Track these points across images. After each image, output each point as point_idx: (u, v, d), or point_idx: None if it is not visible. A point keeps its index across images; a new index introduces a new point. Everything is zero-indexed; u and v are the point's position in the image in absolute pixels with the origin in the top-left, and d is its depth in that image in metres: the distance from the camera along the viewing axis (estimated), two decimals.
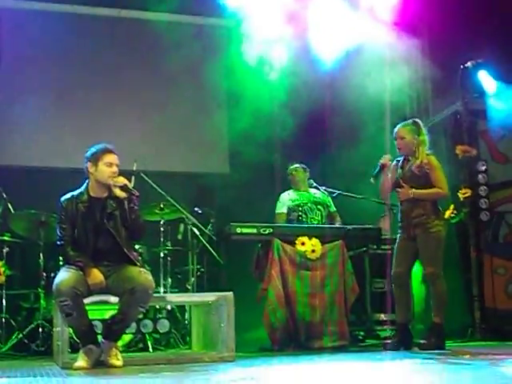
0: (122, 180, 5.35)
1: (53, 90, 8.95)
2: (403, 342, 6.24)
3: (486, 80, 8.14)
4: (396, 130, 6.46)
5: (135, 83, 9.55)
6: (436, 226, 6.24)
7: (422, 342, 6.18)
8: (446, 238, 6.36)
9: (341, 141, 9.31)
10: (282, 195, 7.55)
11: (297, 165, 7.63)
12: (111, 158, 5.36)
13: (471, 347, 6.44)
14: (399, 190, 6.38)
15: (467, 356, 5.25)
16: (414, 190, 6.29)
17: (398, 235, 6.47)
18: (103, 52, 9.49)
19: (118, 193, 5.31)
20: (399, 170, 6.44)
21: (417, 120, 6.56)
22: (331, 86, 8.93)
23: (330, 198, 7.58)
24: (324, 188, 7.50)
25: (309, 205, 7.44)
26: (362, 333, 7.58)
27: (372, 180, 6.43)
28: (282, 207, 7.46)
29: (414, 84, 9.27)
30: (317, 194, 7.54)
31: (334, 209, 7.58)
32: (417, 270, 6.62)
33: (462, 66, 7.89)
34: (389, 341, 6.45)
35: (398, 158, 6.50)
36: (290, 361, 5.43)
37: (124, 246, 5.35)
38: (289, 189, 7.61)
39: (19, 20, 8.99)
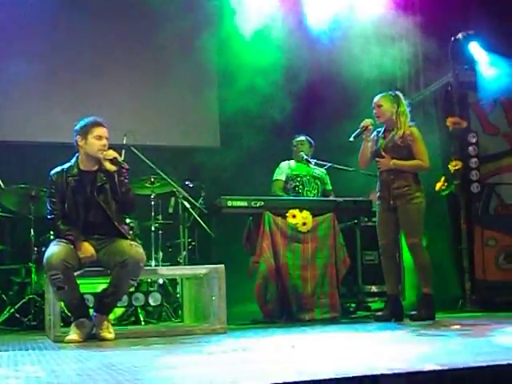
0: (112, 153, 5.32)
1: (42, 65, 8.88)
2: (394, 314, 6.27)
3: (477, 51, 8.11)
4: (374, 99, 6.44)
5: (126, 57, 9.51)
6: (417, 197, 6.22)
7: (412, 313, 6.20)
8: (427, 209, 6.33)
9: (332, 115, 9.29)
10: (282, 163, 7.55)
11: (303, 137, 7.62)
12: (101, 131, 5.34)
13: (461, 318, 6.47)
14: (379, 159, 6.36)
15: (457, 326, 5.27)
16: (394, 160, 6.27)
17: (378, 205, 6.45)
18: (93, 26, 9.42)
19: (108, 166, 5.29)
20: (381, 141, 6.42)
21: (397, 92, 6.54)
22: (322, 60, 8.88)
23: (328, 177, 7.58)
24: (315, 161, 7.48)
25: (307, 177, 7.45)
26: (353, 305, 7.63)
27: (352, 139, 6.39)
28: (280, 174, 7.47)
29: (404, 56, 9.25)
30: (316, 169, 7.54)
31: (330, 187, 7.59)
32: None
33: (452, 38, 7.87)
34: (380, 312, 6.48)
35: (379, 129, 6.49)
36: (282, 332, 5.45)
37: (114, 219, 5.35)
38: (290, 159, 7.59)
39: None
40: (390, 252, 6.34)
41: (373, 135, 6.46)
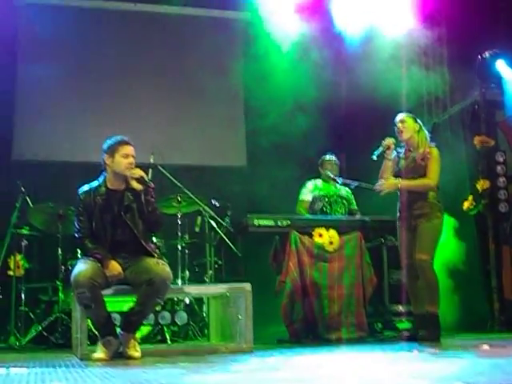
0: (139, 172, 5.35)
1: (70, 85, 9.00)
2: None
3: (504, 70, 8.07)
4: (397, 117, 6.42)
5: (152, 77, 9.60)
6: (437, 217, 6.19)
7: (419, 333, 6.11)
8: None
9: (359, 134, 9.30)
10: (309, 182, 7.53)
11: (331, 156, 7.60)
12: (128, 149, 5.37)
13: (490, 339, 6.38)
14: (383, 182, 6.32)
15: (486, 347, 5.21)
16: (400, 180, 6.26)
17: (398, 226, 6.41)
18: (120, 46, 9.55)
19: (135, 185, 5.31)
20: (402, 161, 6.40)
21: (413, 115, 6.53)
22: (349, 77, 8.92)
23: (352, 196, 7.55)
24: (342, 180, 7.44)
25: (334, 197, 7.43)
26: (380, 324, 7.56)
27: (375, 157, 6.36)
28: (306, 194, 7.44)
29: (431, 74, 9.24)
30: (342, 189, 7.51)
31: (356, 207, 7.56)
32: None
33: (479, 56, 7.84)
34: (406, 333, 6.41)
35: (399, 150, 6.47)
36: (309, 352, 5.42)
37: (141, 238, 5.36)
38: (317, 177, 7.58)
39: (36, 14, 9.03)
40: (414, 271, 6.27)
41: (393, 155, 6.44)
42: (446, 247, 7.59)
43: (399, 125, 6.37)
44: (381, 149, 6.36)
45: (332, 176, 7.40)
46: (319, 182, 7.54)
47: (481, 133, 7.91)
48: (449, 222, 7.54)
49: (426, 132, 6.43)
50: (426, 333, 6.05)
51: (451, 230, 7.74)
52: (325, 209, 7.35)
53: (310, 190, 7.46)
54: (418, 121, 6.44)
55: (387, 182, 6.30)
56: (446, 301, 7.10)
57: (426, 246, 6.15)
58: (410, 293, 6.41)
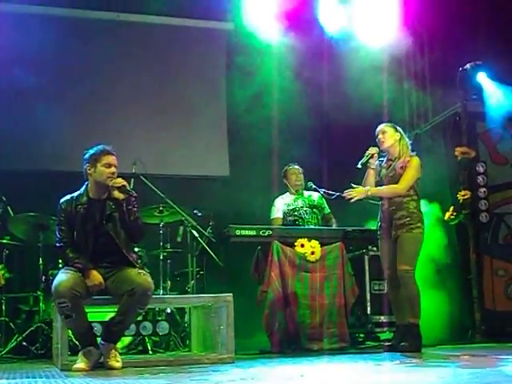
0: (121, 181, 5.33)
1: (52, 94, 8.94)
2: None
3: (485, 82, 8.15)
4: (378, 127, 6.47)
5: (135, 87, 9.58)
6: (418, 227, 6.20)
7: (401, 344, 6.09)
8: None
9: (339, 143, 9.33)
10: (276, 200, 7.52)
11: (294, 165, 7.60)
12: (109, 159, 5.35)
13: (471, 349, 6.42)
14: (351, 190, 6.30)
15: (466, 357, 5.24)
16: (370, 187, 6.29)
17: (379, 236, 6.43)
18: (103, 56, 9.52)
19: (117, 194, 5.29)
20: (383, 170, 6.44)
21: (394, 124, 6.56)
22: (332, 86, 8.95)
23: (323, 200, 7.53)
24: (324, 190, 7.44)
25: (304, 208, 7.41)
26: (362, 335, 7.57)
27: (359, 166, 6.37)
28: (276, 212, 7.44)
29: (412, 86, 9.30)
30: (312, 196, 7.51)
31: (329, 210, 7.56)
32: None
33: (460, 68, 7.90)
34: (388, 343, 6.42)
35: (381, 159, 6.50)
36: (290, 362, 5.42)
37: (123, 247, 5.35)
38: (283, 193, 7.58)
39: (17, 24, 8.99)
40: (395, 282, 6.26)
41: (376, 163, 6.47)
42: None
43: (380, 136, 6.42)
44: (365, 158, 6.40)
45: (314, 186, 7.41)
46: (286, 196, 7.53)
47: (462, 144, 7.97)
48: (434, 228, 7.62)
49: (407, 140, 6.46)
50: (407, 344, 6.05)
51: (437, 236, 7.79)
52: (297, 222, 7.33)
53: (278, 208, 7.44)
54: (399, 129, 6.47)
55: (356, 190, 6.30)
56: (430, 311, 7.13)
57: (407, 256, 6.16)
58: (392, 303, 6.43)
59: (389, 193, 6.28)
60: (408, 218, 6.19)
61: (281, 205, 7.45)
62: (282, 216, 7.40)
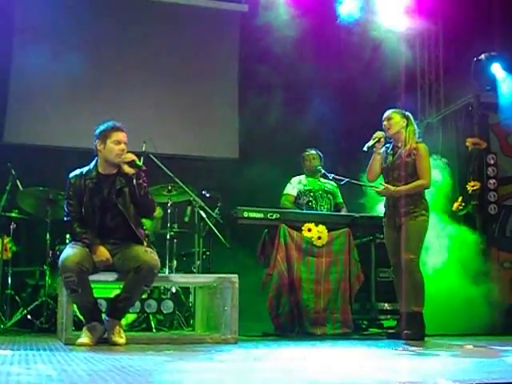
0: (130, 156, 5.31)
1: (65, 72, 8.94)
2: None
3: (499, 73, 8.11)
4: (385, 113, 6.42)
5: (147, 65, 9.57)
6: (422, 215, 6.16)
7: (404, 332, 6.09)
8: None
9: (352, 131, 9.30)
10: (294, 178, 7.53)
11: (313, 151, 7.58)
12: (119, 135, 5.35)
13: (475, 340, 6.41)
14: (379, 190, 6.34)
15: (470, 346, 5.24)
16: (396, 187, 6.22)
17: (384, 223, 6.42)
18: (115, 34, 9.54)
19: (127, 169, 5.28)
20: (389, 157, 6.40)
21: (407, 112, 6.48)
22: (345, 72, 8.91)
23: (338, 189, 7.55)
24: (333, 176, 7.42)
25: (320, 192, 7.43)
26: (365, 321, 7.58)
27: (365, 149, 6.35)
28: (291, 189, 7.45)
29: (426, 76, 9.27)
30: (327, 183, 7.51)
31: (341, 200, 7.56)
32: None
33: (475, 59, 7.87)
34: (392, 330, 6.43)
35: (388, 145, 6.47)
36: (293, 345, 5.44)
37: (132, 223, 5.34)
38: (301, 174, 7.58)
39: (33, 2, 9.02)
40: (400, 269, 6.24)
41: (382, 150, 6.44)
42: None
43: (385, 122, 6.38)
44: (371, 141, 6.37)
45: (323, 172, 7.40)
46: (303, 177, 7.54)
47: (473, 134, 7.95)
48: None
49: (415, 127, 6.40)
50: (411, 332, 6.05)
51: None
52: (310, 203, 7.35)
53: (294, 186, 7.46)
54: (408, 115, 6.40)
55: (383, 191, 6.30)
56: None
57: (411, 245, 6.14)
58: (397, 291, 6.43)
59: (415, 188, 6.20)
60: (412, 206, 6.16)
61: (297, 183, 7.47)
62: (295, 194, 7.41)
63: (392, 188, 6.24)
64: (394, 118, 6.35)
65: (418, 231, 6.17)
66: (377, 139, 6.35)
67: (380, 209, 6.99)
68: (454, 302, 7.28)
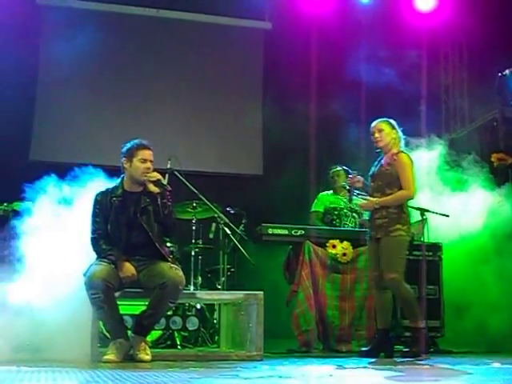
0: (156, 175, 5.37)
1: (90, 89, 9.04)
2: (381, 349, 6.00)
3: None
4: (372, 124, 6.19)
5: (172, 83, 9.65)
6: (396, 229, 5.93)
7: (404, 350, 6.02)
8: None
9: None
10: (321, 194, 7.55)
11: (339, 168, 7.57)
12: (146, 154, 5.40)
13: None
14: (361, 203, 6.29)
15: (497, 364, 5.18)
16: (378, 199, 6.04)
17: (366, 235, 6.29)
18: (141, 51, 9.63)
19: (152, 188, 5.33)
20: (372, 168, 6.24)
21: (392, 120, 6.24)
22: (367, 91, 8.93)
23: None
24: (357, 192, 7.39)
25: (345, 210, 7.40)
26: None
27: (350, 202, 6.51)
28: (319, 206, 7.46)
29: (450, 91, 9.24)
30: (353, 201, 7.47)
31: (367, 218, 7.52)
32: None
33: (499, 74, 7.84)
34: (365, 348, 6.18)
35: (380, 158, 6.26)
36: (318, 362, 5.41)
37: (156, 241, 5.38)
38: (328, 189, 7.58)
39: (59, 17, 9.12)
40: (379, 284, 6.05)
41: (357, 177, 6.31)
42: None
43: (377, 134, 6.13)
44: (349, 194, 6.38)
45: (348, 188, 7.36)
46: (330, 194, 7.54)
47: (499, 150, 7.90)
48: None
49: (400, 135, 6.14)
50: (414, 349, 5.87)
51: None
52: (334, 222, 7.33)
53: (322, 202, 7.46)
54: (393, 124, 6.17)
55: (364, 203, 6.23)
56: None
57: (389, 263, 5.92)
58: (375, 305, 6.26)
59: (396, 201, 6.00)
60: (386, 219, 5.97)
61: (325, 200, 7.48)
62: (322, 211, 7.40)
63: (374, 200, 6.07)
64: (385, 130, 6.11)
65: (396, 248, 5.94)
66: (351, 186, 6.33)
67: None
68: None
